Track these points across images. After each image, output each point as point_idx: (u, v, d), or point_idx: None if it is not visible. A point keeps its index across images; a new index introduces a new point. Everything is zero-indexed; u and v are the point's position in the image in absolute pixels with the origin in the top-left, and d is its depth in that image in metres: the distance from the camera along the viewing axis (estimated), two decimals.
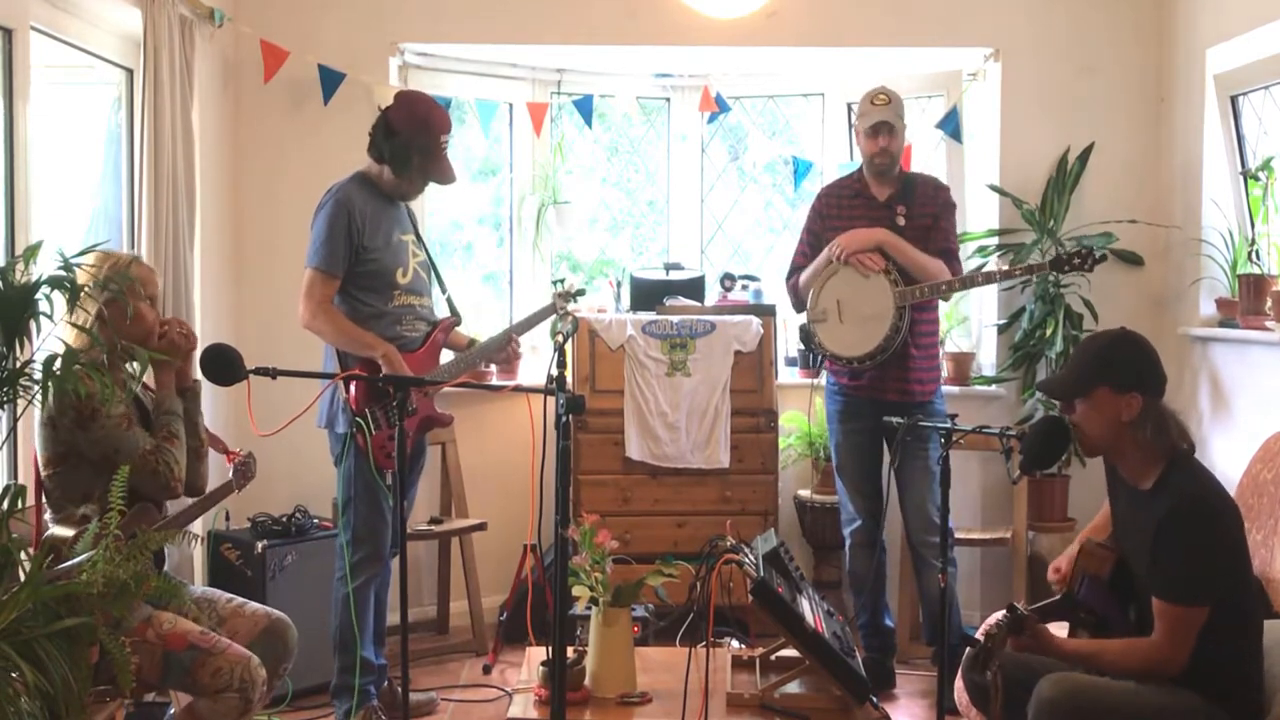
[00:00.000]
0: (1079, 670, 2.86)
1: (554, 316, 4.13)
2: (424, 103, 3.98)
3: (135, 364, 2.98)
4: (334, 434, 3.89)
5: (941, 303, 4.50)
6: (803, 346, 4.55)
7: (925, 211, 4.33)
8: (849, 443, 4.41)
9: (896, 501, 4.49)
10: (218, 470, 3.42)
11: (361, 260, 3.85)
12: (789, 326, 5.49)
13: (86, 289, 2.65)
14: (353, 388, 3.77)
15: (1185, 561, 2.71)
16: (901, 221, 4.30)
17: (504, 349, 4.10)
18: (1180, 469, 2.84)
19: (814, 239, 4.44)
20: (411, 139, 3.85)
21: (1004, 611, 2.85)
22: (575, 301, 4.31)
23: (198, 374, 3.23)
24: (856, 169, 4.49)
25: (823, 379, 4.60)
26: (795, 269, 4.49)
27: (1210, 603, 2.70)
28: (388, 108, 3.96)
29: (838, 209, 4.41)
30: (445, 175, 3.97)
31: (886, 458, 4.40)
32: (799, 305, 4.48)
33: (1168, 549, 2.74)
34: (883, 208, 4.34)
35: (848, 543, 4.49)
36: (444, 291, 4.19)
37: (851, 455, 4.41)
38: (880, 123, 4.26)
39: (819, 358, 4.47)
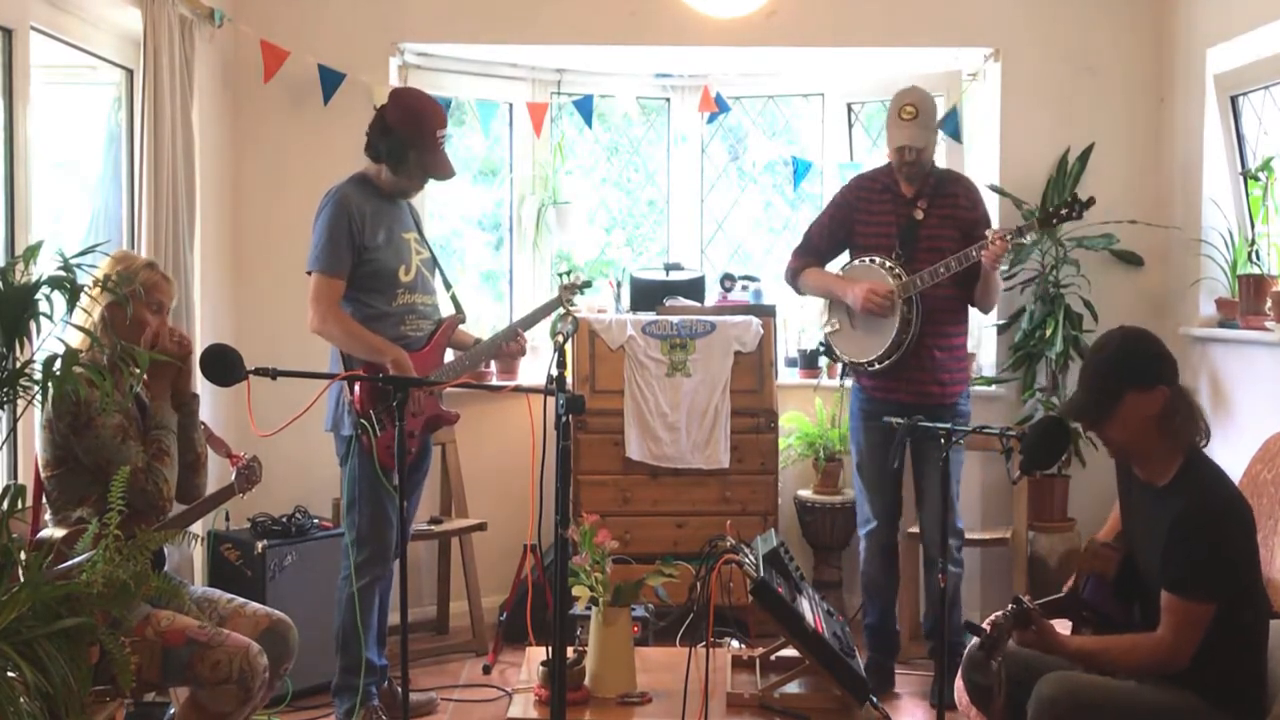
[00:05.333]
0: (1081, 669, 2.86)
1: (555, 317, 4.12)
2: (418, 98, 3.97)
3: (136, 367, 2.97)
4: (339, 436, 3.89)
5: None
6: (827, 357, 4.58)
7: (948, 213, 4.30)
8: (869, 441, 4.38)
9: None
10: (222, 473, 3.41)
11: (363, 260, 3.84)
12: (789, 326, 5.49)
13: (87, 288, 2.65)
14: (357, 389, 3.77)
15: (1198, 558, 2.71)
16: (920, 216, 4.29)
17: (510, 343, 4.09)
18: (1196, 466, 2.83)
19: (835, 225, 4.43)
20: (407, 135, 3.84)
21: (1010, 605, 2.84)
22: (582, 293, 4.31)
23: (196, 387, 3.21)
24: (887, 163, 4.46)
25: (833, 380, 4.59)
26: (808, 248, 4.47)
27: (1218, 600, 2.70)
28: (382, 106, 3.95)
29: (866, 203, 4.39)
30: (443, 170, 3.96)
31: (907, 459, 4.35)
32: (795, 289, 4.55)
33: (1181, 545, 2.73)
34: (907, 204, 4.33)
35: (862, 544, 4.47)
36: (448, 289, 4.18)
37: (872, 453, 4.38)
38: (905, 146, 4.24)
39: (843, 366, 4.46)
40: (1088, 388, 2.90)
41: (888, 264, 4.23)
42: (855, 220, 4.39)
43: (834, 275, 4.40)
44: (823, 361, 5.41)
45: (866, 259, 4.30)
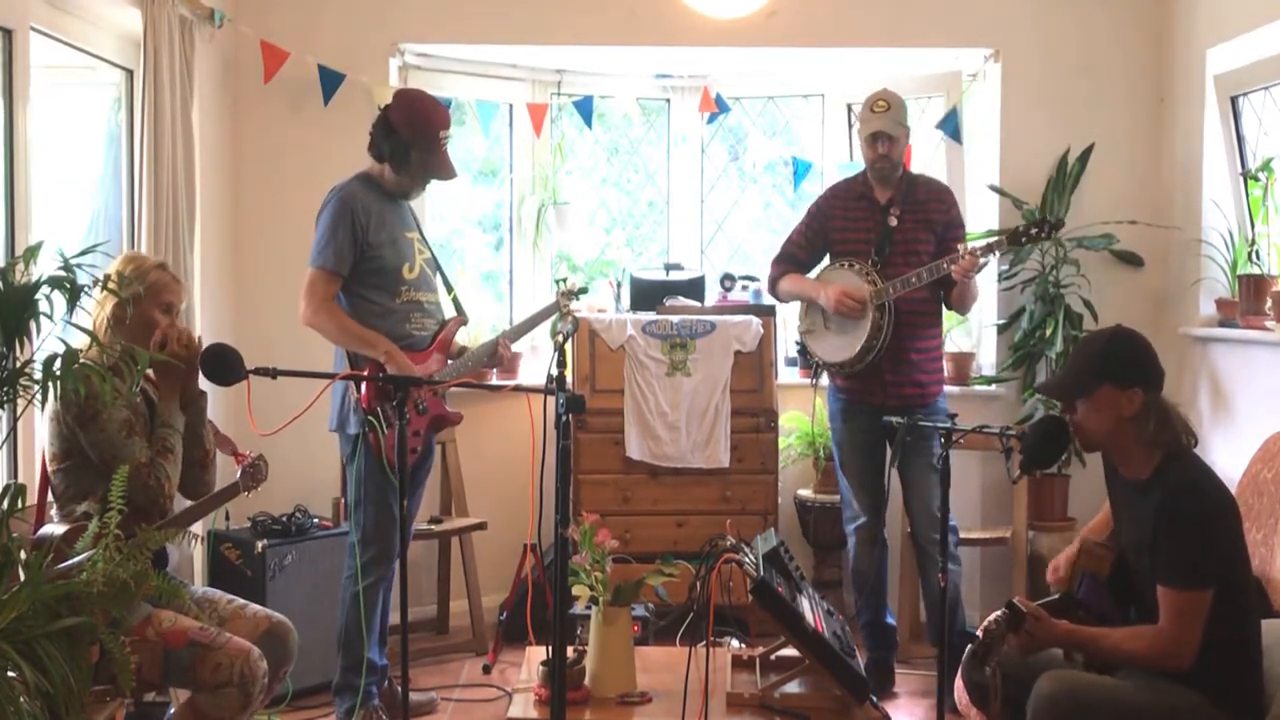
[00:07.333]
0: (1080, 659, 2.86)
1: (555, 316, 4.13)
2: (423, 100, 3.99)
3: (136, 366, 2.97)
4: (345, 435, 3.89)
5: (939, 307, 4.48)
6: (802, 358, 4.62)
7: (921, 216, 4.34)
8: (852, 440, 4.42)
9: (895, 499, 4.52)
10: (229, 471, 3.41)
11: (366, 257, 3.85)
12: (789, 326, 5.49)
13: (87, 287, 2.65)
14: (363, 388, 3.77)
15: (1184, 546, 2.72)
16: (894, 222, 4.32)
17: (494, 354, 4.09)
18: (1175, 460, 2.85)
19: (812, 234, 4.48)
20: (411, 136, 3.86)
21: (1003, 609, 2.85)
22: (578, 300, 4.32)
23: (204, 384, 3.21)
24: (862, 170, 4.49)
25: (824, 379, 4.62)
26: (788, 256, 4.51)
27: (1212, 586, 2.71)
28: (387, 106, 3.97)
29: (843, 212, 4.43)
30: (445, 171, 3.97)
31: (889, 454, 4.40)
32: (775, 297, 4.62)
33: (1166, 535, 2.75)
34: (881, 210, 4.36)
35: (851, 540, 4.48)
36: (450, 291, 4.19)
37: (855, 452, 4.42)
38: (878, 132, 4.28)
39: (817, 367, 4.50)
40: (1067, 369, 3.09)
41: (864, 269, 4.26)
42: (831, 228, 4.43)
43: (809, 279, 4.46)
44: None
45: (842, 263, 4.34)
